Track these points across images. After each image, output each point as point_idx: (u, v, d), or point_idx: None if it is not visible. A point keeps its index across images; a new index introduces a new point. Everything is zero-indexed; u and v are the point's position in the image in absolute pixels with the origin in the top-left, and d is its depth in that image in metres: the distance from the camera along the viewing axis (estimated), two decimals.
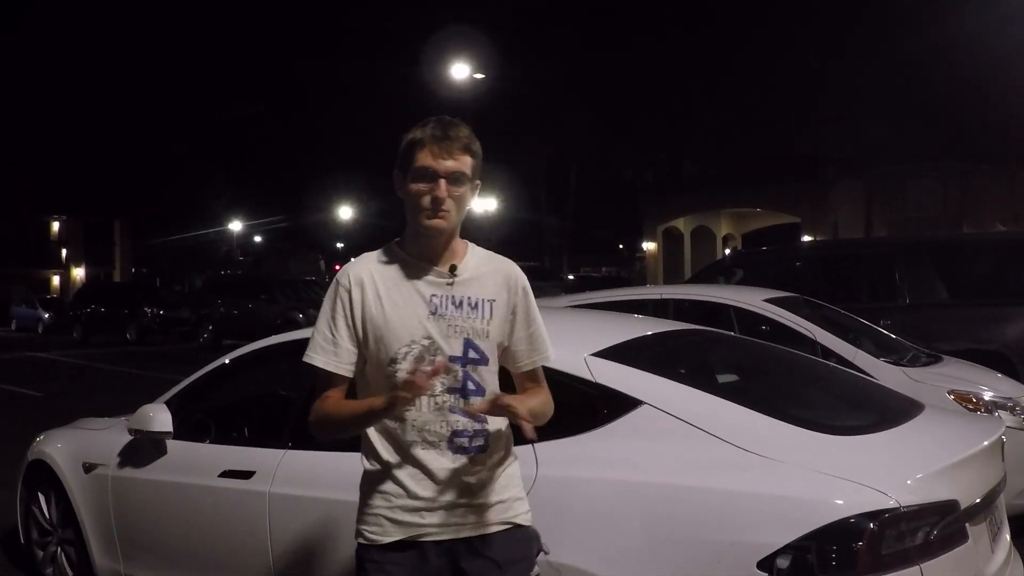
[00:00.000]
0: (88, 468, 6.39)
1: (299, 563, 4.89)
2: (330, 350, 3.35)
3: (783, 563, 3.51)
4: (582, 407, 4.33)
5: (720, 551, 3.69)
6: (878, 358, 7.98)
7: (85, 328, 38.87)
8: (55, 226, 63.54)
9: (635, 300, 9.66)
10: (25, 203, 55.71)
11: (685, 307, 9.18)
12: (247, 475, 5.16)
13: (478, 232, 47.93)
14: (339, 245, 77.99)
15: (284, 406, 6.11)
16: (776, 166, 48.01)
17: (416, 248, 3.37)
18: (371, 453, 3.38)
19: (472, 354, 3.32)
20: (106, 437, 6.43)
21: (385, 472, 3.33)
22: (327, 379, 3.37)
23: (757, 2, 49.38)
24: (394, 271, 3.36)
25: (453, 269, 3.35)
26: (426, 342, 3.28)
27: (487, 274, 3.42)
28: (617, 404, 4.23)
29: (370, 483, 3.38)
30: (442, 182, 3.26)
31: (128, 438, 6.00)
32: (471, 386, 3.32)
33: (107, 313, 38.87)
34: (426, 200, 3.26)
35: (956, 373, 7.97)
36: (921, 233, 30.10)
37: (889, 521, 3.52)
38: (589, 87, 52.30)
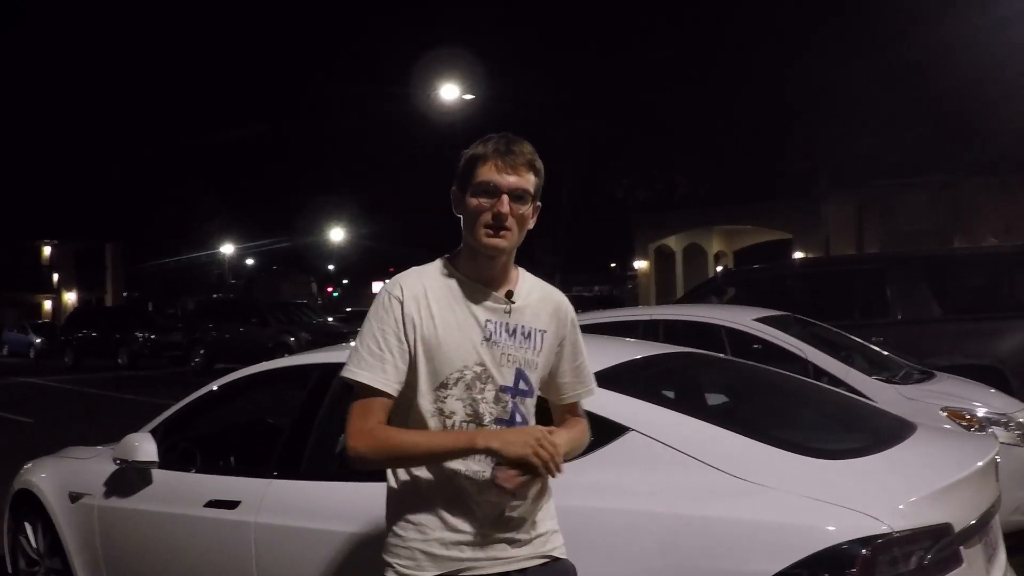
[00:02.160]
0: (74, 497, 6.35)
1: None
2: (377, 366, 3.12)
3: None
4: None
5: None
6: (870, 376, 7.93)
7: (76, 353, 38.82)
8: (47, 251, 63.53)
9: (625, 321, 9.60)
10: (16, 228, 55.60)
11: (675, 328, 9.14)
12: (232, 505, 5.10)
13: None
14: (330, 267, 77.99)
15: (271, 434, 6.08)
16: (767, 182, 48.10)
17: (472, 269, 3.22)
18: (407, 481, 3.21)
19: (522, 385, 3.22)
20: (92, 466, 6.38)
21: (421, 502, 3.17)
22: (369, 399, 3.12)
23: (746, 19, 49.50)
24: (448, 290, 3.21)
25: (510, 295, 3.24)
26: (478, 369, 3.16)
27: (539, 303, 3.32)
28: (604, 431, 4.13)
29: (402, 513, 3.21)
30: (505, 197, 3.11)
31: (114, 467, 5.95)
32: (519, 418, 3.22)
33: (98, 338, 38.82)
34: (487, 216, 3.12)
35: (949, 389, 7.92)
36: (912, 248, 30.11)
37: (882, 547, 3.46)
38: (579, 106, 52.35)
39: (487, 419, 3.16)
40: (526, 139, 3.23)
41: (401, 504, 3.22)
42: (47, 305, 63.54)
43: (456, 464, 3.13)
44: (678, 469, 3.95)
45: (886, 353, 9.07)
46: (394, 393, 3.14)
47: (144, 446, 5.72)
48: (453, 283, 3.22)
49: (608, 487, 4.00)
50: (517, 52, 52.79)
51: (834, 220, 45.51)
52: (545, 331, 3.28)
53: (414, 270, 3.29)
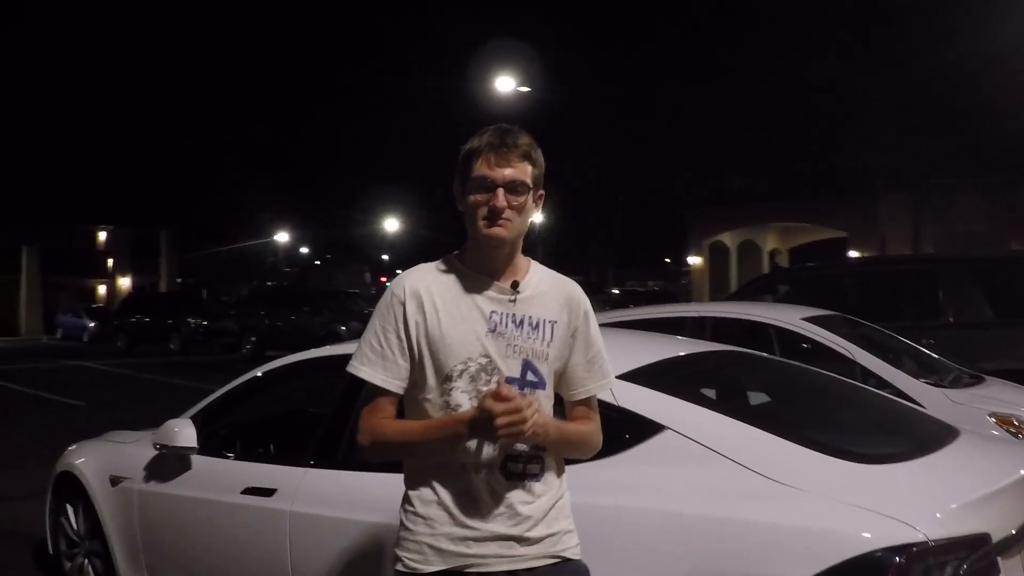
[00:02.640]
0: (115, 481, 6.39)
1: None
2: (378, 363, 3.18)
3: None
4: (604, 431, 4.19)
5: None
6: (918, 379, 7.83)
7: (129, 337, 39.14)
8: (102, 236, 63.98)
9: (672, 318, 9.53)
10: (72, 213, 56.07)
11: (722, 325, 9.05)
12: (269, 493, 5.11)
13: (524, 245, 47.85)
14: (384, 257, 78.12)
15: (310, 423, 6.08)
16: (823, 180, 47.66)
17: (477, 261, 3.22)
18: (416, 476, 3.22)
19: (530, 376, 3.17)
20: (133, 450, 6.42)
21: (431, 498, 3.17)
22: (373, 394, 3.20)
23: (806, 16, 49.13)
24: (452, 284, 3.22)
25: (515, 286, 3.21)
26: (483, 360, 3.13)
27: (549, 293, 3.27)
28: (639, 429, 4.12)
29: (413, 507, 3.21)
30: (500, 191, 3.10)
31: (154, 452, 5.98)
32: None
33: (151, 323, 39.10)
34: (483, 211, 3.11)
35: (998, 395, 7.79)
36: (965, 250, 29.75)
37: (916, 555, 3.38)
38: (637, 100, 52.21)
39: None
40: (523, 130, 3.22)
41: (414, 501, 3.21)
42: (101, 290, 63.99)
43: (464, 457, 3.11)
44: (713, 470, 3.90)
45: (936, 356, 8.94)
46: (395, 389, 3.18)
47: (184, 432, 5.75)
48: (461, 277, 3.22)
49: (641, 486, 3.96)
50: (574, 47, 52.65)
51: (890, 219, 45.12)
52: (556, 321, 3.23)
53: (421, 266, 3.30)
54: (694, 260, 55.46)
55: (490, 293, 3.19)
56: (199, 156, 63.68)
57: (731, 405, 5.04)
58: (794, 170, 49.09)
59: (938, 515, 3.56)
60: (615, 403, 4.20)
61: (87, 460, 6.82)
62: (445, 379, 3.14)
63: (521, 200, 3.15)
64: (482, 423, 2.93)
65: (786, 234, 55.94)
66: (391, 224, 71.07)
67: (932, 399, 7.34)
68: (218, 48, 78.18)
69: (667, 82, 50.56)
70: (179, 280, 66.31)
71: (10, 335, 53.00)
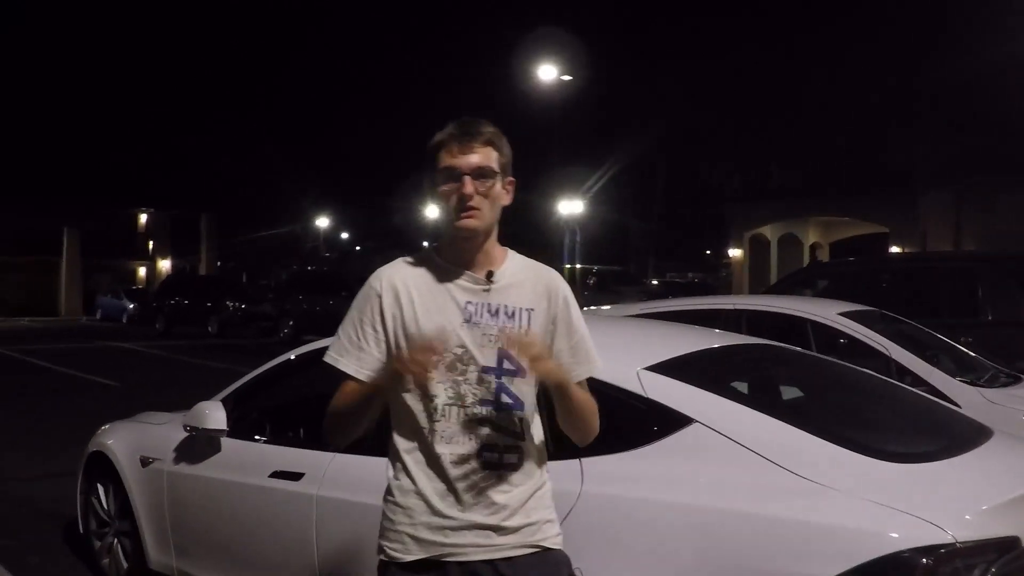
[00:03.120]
0: (145, 462, 6.44)
1: (344, 568, 4.84)
2: (354, 354, 3.23)
3: None
4: (632, 423, 4.19)
5: None
6: (954, 377, 7.73)
7: (168, 319, 39.35)
8: (142, 218, 64.33)
9: (707, 310, 9.47)
10: (113, 195, 56.37)
11: (758, 319, 8.97)
12: (296, 477, 5.13)
13: (564, 234, 47.90)
14: (424, 244, 78.24)
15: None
16: (865, 175, 47.27)
17: (452, 253, 3.25)
18: (396, 466, 3.26)
19: (507, 364, 3.17)
20: (164, 432, 6.46)
21: (409, 486, 3.20)
22: (345, 384, 3.25)
23: (852, 10, 48.84)
24: (428, 276, 3.24)
25: (490, 275, 3.22)
26: (459, 351, 3.15)
27: (526, 282, 3.27)
28: (668, 421, 4.08)
29: (393, 497, 3.25)
30: (467, 179, 3.14)
31: (184, 434, 6.00)
32: (506, 398, 3.17)
33: (190, 305, 39.34)
34: (454, 200, 3.15)
35: None
36: (1006, 248, 29.47)
37: (944, 557, 3.34)
38: (679, 91, 52.06)
39: (470, 400, 3.15)
40: (484, 120, 3.26)
41: (394, 491, 3.25)
42: (141, 272, 64.33)
43: (441, 447, 3.15)
44: (740, 465, 3.86)
45: (973, 354, 8.84)
46: (363, 379, 3.21)
47: (214, 414, 5.78)
48: (434, 269, 3.26)
49: (668, 479, 3.92)
50: (617, 36, 52.53)
51: (931, 215, 44.73)
52: (532, 309, 3.24)
53: (399, 260, 3.35)
54: (734, 252, 55.15)
55: (464, 283, 3.22)
56: (241, 140, 64.00)
57: (762, 400, 4.99)
58: (836, 164, 48.75)
59: (967, 516, 3.51)
60: (644, 394, 4.18)
61: (118, 441, 6.87)
62: None
63: (489, 185, 3.18)
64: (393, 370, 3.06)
65: (827, 228, 55.56)
66: (432, 211, 70.98)
67: (968, 398, 7.25)
68: (264, 31, 78.48)
69: (710, 74, 50.36)
70: (219, 263, 66.58)
71: (50, 315, 53.38)
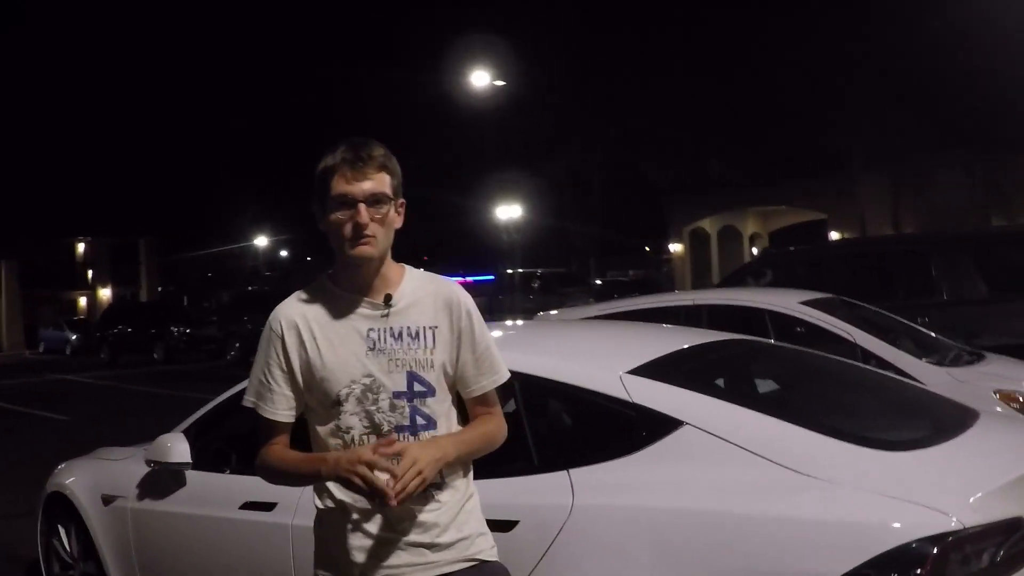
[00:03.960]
0: (107, 500, 6.26)
1: None
2: (267, 396, 3.23)
3: None
4: (619, 429, 4.09)
5: None
6: (920, 359, 7.75)
7: (112, 349, 39.16)
8: (80, 247, 63.89)
9: (666, 307, 9.40)
10: (50, 226, 55.89)
11: (718, 313, 8.91)
12: (269, 507, 4.96)
13: (503, 238, 47.91)
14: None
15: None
16: (801, 162, 47.66)
17: (347, 280, 3.22)
18: (323, 492, 3.22)
19: (417, 387, 3.17)
20: (125, 468, 6.28)
21: (339, 512, 3.17)
22: (267, 424, 3.25)
23: None
24: (326, 309, 3.22)
25: (388, 299, 3.19)
26: (367, 380, 3.13)
27: (426, 299, 3.25)
28: (656, 425, 3.97)
29: (323, 523, 3.24)
30: (361, 207, 3.10)
31: (147, 468, 5.83)
32: (420, 420, 3.17)
33: (134, 333, 39.14)
34: (348, 229, 3.11)
35: (1000, 371, 7.73)
36: (945, 226, 29.77)
37: (953, 544, 3.28)
38: (609, 89, 52.17)
39: (385, 428, 3.13)
40: (375, 140, 3.23)
41: (324, 517, 3.24)
42: (82, 302, 63.83)
43: (344, 496, 3.15)
44: (735, 465, 3.76)
45: (934, 335, 8.85)
46: (285, 419, 3.24)
47: (177, 447, 5.60)
48: (331, 299, 3.23)
49: (661, 485, 3.82)
50: (545, 37, 52.53)
51: (869, 198, 45.17)
52: (436, 326, 3.21)
53: (295, 295, 3.32)
54: (675, 247, 55.52)
55: (364, 311, 3.19)
56: (174, 163, 63.50)
57: (748, 397, 4.92)
58: (771, 153, 49.10)
59: (971, 501, 3.46)
60: (629, 399, 4.08)
61: (77, 480, 6.68)
62: (333, 404, 3.15)
63: (383, 212, 3.15)
64: (344, 473, 2.97)
65: (766, 218, 56.07)
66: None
67: (936, 379, 7.24)
68: (189, 55, 77.95)
69: (641, 69, 50.50)
70: (160, 289, 66.16)
71: None
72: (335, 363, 3.13)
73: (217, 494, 5.40)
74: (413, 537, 3.12)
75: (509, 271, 50.96)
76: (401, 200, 3.22)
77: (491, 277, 54.62)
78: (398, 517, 3.09)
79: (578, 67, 51.69)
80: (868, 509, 3.43)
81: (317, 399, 3.18)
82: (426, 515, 3.13)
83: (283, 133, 71.30)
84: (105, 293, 63.05)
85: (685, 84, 48.99)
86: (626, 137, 53.95)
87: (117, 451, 6.80)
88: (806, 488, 3.58)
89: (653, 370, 4.33)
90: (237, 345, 32.79)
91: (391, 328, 3.16)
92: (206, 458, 5.66)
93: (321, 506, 3.22)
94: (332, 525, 3.18)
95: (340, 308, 3.19)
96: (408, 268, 3.29)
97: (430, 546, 3.13)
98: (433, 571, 3.14)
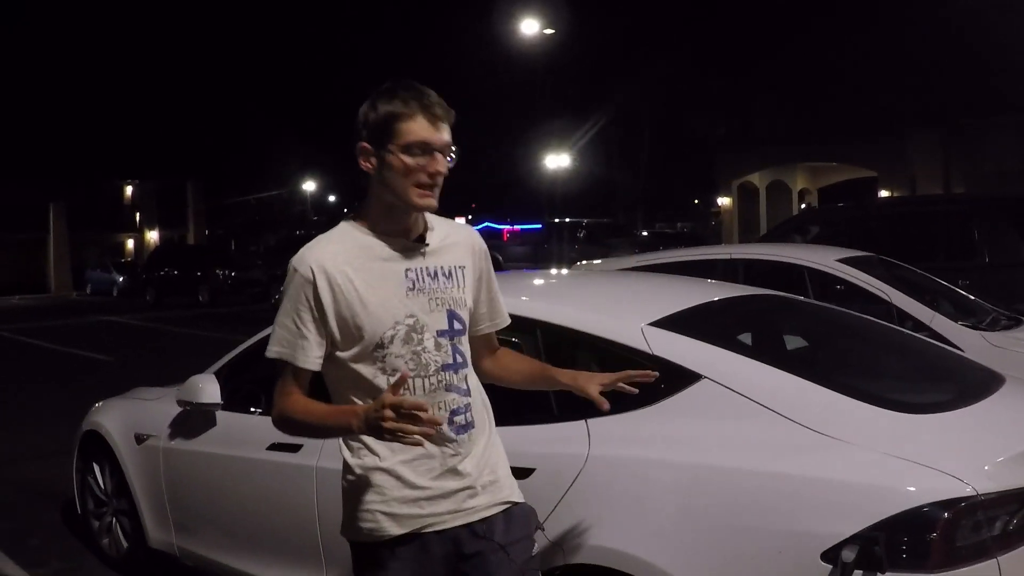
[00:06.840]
0: (140, 439, 6.35)
1: None
2: (297, 343, 3.11)
3: (849, 555, 3.22)
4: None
5: (782, 540, 3.43)
6: (956, 322, 7.66)
7: (158, 291, 39.25)
8: (128, 190, 64.09)
9: (703, 260, 9.37)
10: (98, 168, 56.06)
11: (755, 268, 8.86)
12: (295, 449, 5.00)
13: (551, 188, 47.82)
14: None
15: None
16: (852, 119, 47.08)
17: (385, 223, 3.16)
18: (353, 444, 3.17)
19: (456, 325, 3.20)
20: (158, 407, 6.35)
21: (374, 463, 3.12)
22: (292, 374, 3.14)
23: None
24: (363, 250, 3.14)
25: (422, 239, 3.19)
26: (410, 321, 3.11)
27: (452, 241, 3.28)
28: (675, 378, 3.95)
29: (358, 477, 3.16)
30: (438, 155, 3.06)
31: (179, 409, 5.89)
32: (459, 358, 3.19)
33: (180, 275, 39.19)
34: (422, 176, 3.05)
35: None
36: (997, 188, 29.35)
37: (965, 510, 3.25)
38: (662, 41, 51.81)
39: (432, 368, 3.12)
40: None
41: (358, 470, 3.16)
42: (130, 244, 64.06)
43: (381, 448, 3.10)
44: (752, 421, 3.75)
45: (973, 298, 8.75)
46: (314, 367, 3.14)
47: (208, 388, 5.67)
48: (366, 242, 3.16)
49: (677, 438, 3.82)
50: None
51: (920, 159, 44.62)
52: (464, 266, 3.27)
53: (320, 239, 3.21)
54: (723, 201, 55.08)
55: (400, 252, 3.16)
56: (224, 105, 63.47)
57: (770, 353, 4.90)
58: (824, 109, 48.57)
59: (986, 468, 3.42)
60: (649, 351, 4.07)
61: (112, 419, 6.77)
62: (377, 347, 3.09)
63: (452, 165, 3.13)
64: (374, 423, 2.83)
65: (815, 174, 55.48)
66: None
67: (971, 342, 7.18)
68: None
69: (694, 24, 50.11)
70: (207, 232, 66.31)
71: (40, 292, 53.20)
72: (377, 305, 3.08)
73: (246, 435, 5.46)
74: (453, 484, 3.12)
75: (556, 220, 50.85)
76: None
77: (539, 226, 54.60)
78: (444, 463, 3.10)
79: (630, 19, 51.36)
80: (882, 471, 3.40)
81: (360, 343, 3.09)
82: (465, 459, 3.14)
83: (334, 77, 71.23)
84: (152, 236, 63.29)
85: (738, 37, 48.61)
86: (677, 89, 53.62)
87: (152, 391, 6.87)
88: (821, 447, 3.56)
89: (675, 323, 4.31)
90: (281, 289, 32.85)
91: (427, 267, 3.16)
92: (236, 399, 5.73)
93: (353, 457, 3.16)
94: (367, 477, 3.12)
95: (375, 250, 3.13)
96: (427, 213, 3.24)
97: (469, 490, 3.14)
98: (473, 516, 3.15)
